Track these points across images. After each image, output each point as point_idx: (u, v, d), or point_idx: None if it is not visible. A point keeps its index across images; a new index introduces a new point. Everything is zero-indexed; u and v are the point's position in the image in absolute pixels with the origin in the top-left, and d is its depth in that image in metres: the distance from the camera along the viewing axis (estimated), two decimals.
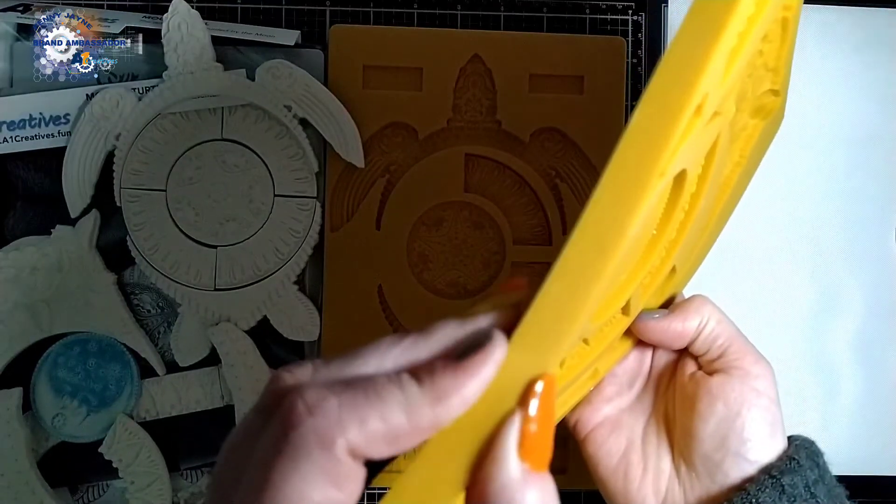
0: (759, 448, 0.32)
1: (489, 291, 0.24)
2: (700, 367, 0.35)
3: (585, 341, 0.29)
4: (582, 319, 0.20)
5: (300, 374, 0.21)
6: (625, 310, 0.30)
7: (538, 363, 0.20)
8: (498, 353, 0.20)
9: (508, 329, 0.21)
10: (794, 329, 0.47)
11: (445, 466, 0.20)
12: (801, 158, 0.47)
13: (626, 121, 0.21)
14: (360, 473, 0.19)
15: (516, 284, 0.23)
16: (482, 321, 0.21)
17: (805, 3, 0.46)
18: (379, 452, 0.19)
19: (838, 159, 0.47)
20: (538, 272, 0.21)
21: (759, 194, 0.46)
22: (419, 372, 0.20)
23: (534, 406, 0.20)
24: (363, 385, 0.19)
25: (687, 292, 0.36)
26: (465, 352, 0.20)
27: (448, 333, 0.21)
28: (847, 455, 0.46)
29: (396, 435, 0.19)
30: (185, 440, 0.44)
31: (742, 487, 0.31)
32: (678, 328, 0.34)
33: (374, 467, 0.20)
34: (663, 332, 0.34)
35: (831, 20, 0.47)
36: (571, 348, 0.26)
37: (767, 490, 0.31)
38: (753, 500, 0.30)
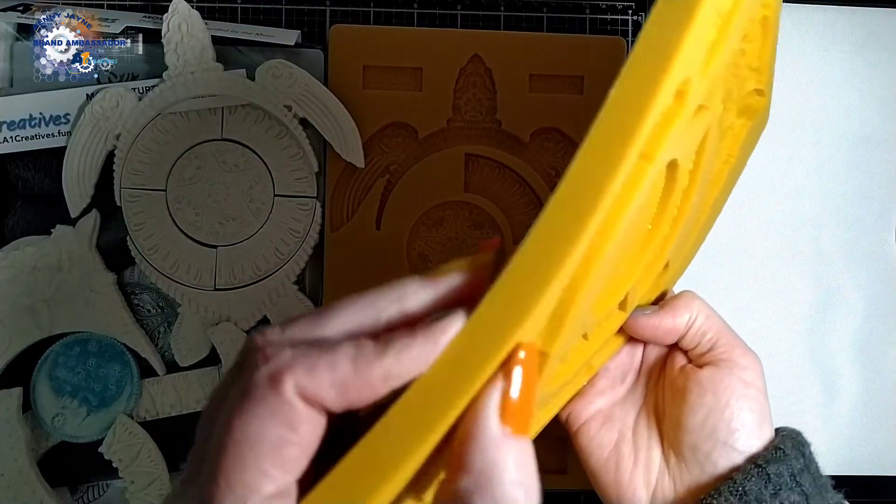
0: (747, 438, 0.33)
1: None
2: (690, 361, 0.36)
3: (585, 336, 0.30)
4: (557, 283, 0.21)
5: (269, 334, 0.23)
6: (622, 305, 0.31)
7: (514, 323, 0.20)
8: (453, 328, 0.21)
9: (477, 286, 0.22)
10: (794, 329, 0.47)
11: (421, 429, 0.20)
12: (801, 158, 0.47)
13: None
14: (316, 419, 0.21)
15: (492, 245, 0.24)
16: (447, 280, 0.23)
17: (805, 3, 0.47)
18: (331, 400, 0.21)
19: (838, 159, 0.47)
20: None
21: (759, 194, 0.47)
22: (378, 336, 0.21)
23: (517, 373, 0.21)
24: (319, 340, 0.22)
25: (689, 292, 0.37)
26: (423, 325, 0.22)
27: (408, 292, 0.22)
28: (847, 455, 0.47)
29: (344, 383, 0.20)
30: (185, 440, 0.44)
31: (729, 476, 0.33)
32: (668, 324, 0.35)
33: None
34: (654, 329, 0.35)
35: (831, 20, 0.47)
36: (572, 342, 0.26)
37: (753, 479, 0.32)
38: (739, 489, 0.32)
